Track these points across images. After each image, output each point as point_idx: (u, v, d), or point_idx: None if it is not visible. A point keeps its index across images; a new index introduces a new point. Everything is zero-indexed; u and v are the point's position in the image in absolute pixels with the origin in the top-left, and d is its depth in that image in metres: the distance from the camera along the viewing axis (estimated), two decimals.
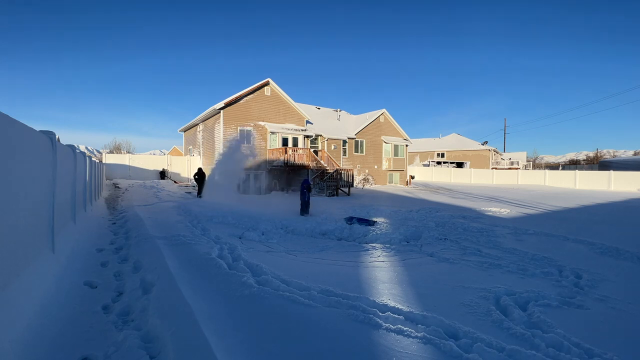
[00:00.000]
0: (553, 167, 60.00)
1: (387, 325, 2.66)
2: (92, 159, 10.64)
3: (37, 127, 3.48)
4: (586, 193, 20.44)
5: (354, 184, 21.51)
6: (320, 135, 22.51)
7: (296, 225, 7.98)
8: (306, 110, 23.82)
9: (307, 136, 21.36)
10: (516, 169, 37.69)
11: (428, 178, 35.79)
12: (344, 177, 19.51)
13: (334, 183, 18.79)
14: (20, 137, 2.85)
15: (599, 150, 69.98)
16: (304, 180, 10.66)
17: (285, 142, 20.18)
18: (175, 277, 3.61)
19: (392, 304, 3.16)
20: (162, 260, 4.29)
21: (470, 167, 39.29)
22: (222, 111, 18.45)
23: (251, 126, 19.45)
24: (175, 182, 21.01)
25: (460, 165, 41.24)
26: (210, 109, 19.10)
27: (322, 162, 20.23)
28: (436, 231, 7.62)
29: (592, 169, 42.07)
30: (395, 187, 25.46)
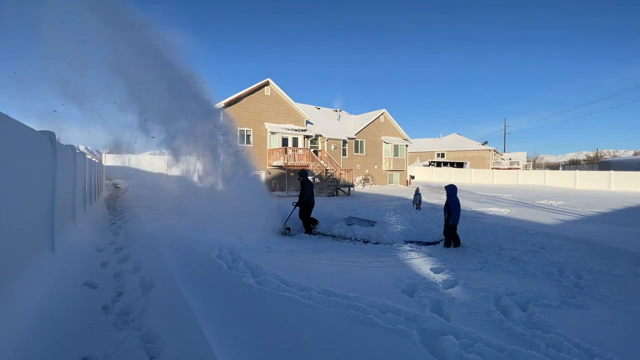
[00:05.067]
0: (553, 167, 60.00)
1: (387, 325, 2.66)
2: (92, 159, 10.66)
3: (37, 127, 3.48)
4: (586, 193, 20.45)
5: (354, 184, 21.51)
6: (320, 136, 22.52)
7: (296, 225, 7.98)
8: (306, 110, 23.83)
9: (307, 136, 21.37)
10: (516, 169, 37.70)
11: (428, 178, 35.80)
12: (344, 178, 19.52)
13: (334, 183, 18.80)
14: (20, 138, 2.85)
15: (599, 150, 70.09)
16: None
17: (285, 142, 20.19)
18: (175, 277, 3.61)
19: (392, 304, 3.16)
20: (162, 260, 4.29)
21: (470, 167, 39.31)
22: (221, 111, 18.45)
23: (251, 126, 19.46)
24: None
25: (460, 165, 41.26)
26: None
27: (322, 162, 20.24)
28: (436, 232, 7.61)
29: (592, 169, 42.07)
30: (396, 187, 25.47)
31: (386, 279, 4.11)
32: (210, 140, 8.77)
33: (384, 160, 26.91)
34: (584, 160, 78.58)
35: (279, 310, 2.90)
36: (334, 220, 8.41)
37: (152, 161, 22.90)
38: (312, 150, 20.80)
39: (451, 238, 6.08)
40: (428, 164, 42.18)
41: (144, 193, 14.03)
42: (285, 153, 18.89)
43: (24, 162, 2.98)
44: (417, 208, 12.08)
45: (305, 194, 7.82)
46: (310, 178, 20.01)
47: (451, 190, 6.30)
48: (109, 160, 21.78)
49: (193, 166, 9.33)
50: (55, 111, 6.73)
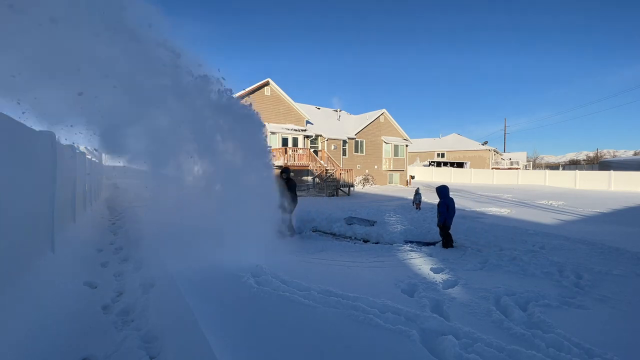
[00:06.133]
0: (553, 167, 59.99)
1: (387, 325, 2.66)
2: (92, 159, 10.66)
3: (37, 127, 3.48)
4: (586, 193, 20.44)
5: (354, 184, 21.51)
6: (320, 136, 22.52)
7: (296, 225, 7.97)
8: (306, 110, 23.83)
9: (307, 136, 21.37)
10: (516, 169, 37.71)
11: (428, 178, 35.82)
12: (344, 178, 19.52)
13: (334, 183, 18.79)
14: (20, 137, 2.85)
15: (599, 150, 70.13)
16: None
17: (285, 142, 20.19)
18: (175, 277, 3.61)
19: (391, 304, 3.16)
20: (161, 260, 4.29)
21: (470, 167, 39.32)
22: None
23: None
24: None
25: (460, 165, 41.27)
26: None
27: (322, 162, 20.23)
28: (436, 232, 7.60)
29: (592, 169, 42.07)
30: (396, 187, 25.47)
31: (386, 279, 4.10)
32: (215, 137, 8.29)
33: (384, 160, 26.91)
34: (584, 160, 78.61)
35: (279, 311, 2.89)
36: (333, 220, 8.41)
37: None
38: (312, 150, 20.80)
39: (446, 239, 6.07)
40: (428, 164, 42.19)
41: (144, 193, 14.02)
42: (285, 153, 18.89)
43: (24, 162, 2.98)
44: (417, 208, 12.08)
45: (289, 194, 7.18)
46: (310, 178, 20.04)
47: (441, 192, 6.18)
48: (109, 160, 21.77)
49: (194, 165, 9.24)
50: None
